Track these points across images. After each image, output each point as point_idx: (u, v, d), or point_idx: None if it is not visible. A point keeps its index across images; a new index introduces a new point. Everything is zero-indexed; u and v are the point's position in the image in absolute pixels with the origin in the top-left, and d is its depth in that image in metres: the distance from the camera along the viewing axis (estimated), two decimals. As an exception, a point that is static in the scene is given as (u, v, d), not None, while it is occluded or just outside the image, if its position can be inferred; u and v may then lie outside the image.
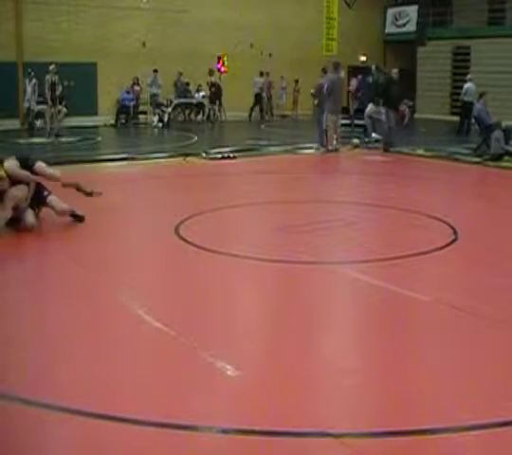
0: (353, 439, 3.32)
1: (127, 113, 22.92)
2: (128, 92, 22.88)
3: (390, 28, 29.38)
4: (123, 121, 22.82)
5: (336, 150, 15.70)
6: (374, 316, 5.29)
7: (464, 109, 19.52)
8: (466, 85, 19.59)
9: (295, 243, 7.36)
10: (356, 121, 19.74)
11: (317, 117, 16.57)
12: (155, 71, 23.16)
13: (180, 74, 24.05)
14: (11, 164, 7.67)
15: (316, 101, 16.23)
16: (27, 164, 7.84)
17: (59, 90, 18.20)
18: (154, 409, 3.60)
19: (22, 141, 17.86)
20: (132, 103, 22.95)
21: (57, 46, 21.70)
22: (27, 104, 20.55)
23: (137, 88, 23.32)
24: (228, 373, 4.01)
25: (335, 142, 15.83)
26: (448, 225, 7.99)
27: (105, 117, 22.96)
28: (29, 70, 20.19)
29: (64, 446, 3.35)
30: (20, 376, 4.07)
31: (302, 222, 8.40)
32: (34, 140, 17.98)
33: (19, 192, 7.59)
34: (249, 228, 8.30)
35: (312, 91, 16.54)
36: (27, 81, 20.33)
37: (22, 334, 4.77)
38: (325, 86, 15.56)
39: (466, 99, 19.39)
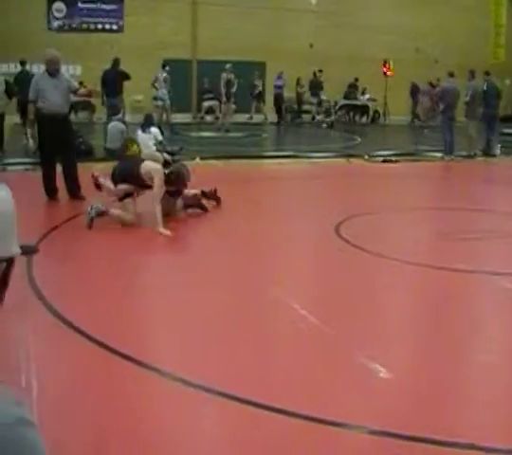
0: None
1: (291, 111, 23.32)
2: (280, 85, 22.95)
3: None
4: (289, 119, 23.24)
5: (474, 155, 15.23)
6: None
7: None
8: None
9: (453, 250, 7.21)
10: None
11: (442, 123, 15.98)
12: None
13: (356, 80, 24.18)
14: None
15: (441, 107, 15.65)
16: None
17: (234, 88, 18.84)
18: (304, 403, 3.66)
19: (193, 134, 18.65)
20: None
21: (227, 46, 22.40)
22: (159, 102, 17.44)
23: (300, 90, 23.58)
24: (381, 374, 4.03)
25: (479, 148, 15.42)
26: None
27: (270, 114, 23.46)
28: (165, 64, 17.76)
29: (208, 426, 3.54)
30: (182, 359, 4.32)
31: (462, 229, 8.20)
32: (204, 134, 18.73)
33: None
34: (409, 233, 8.20)
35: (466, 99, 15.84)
36: (159, 75, 17.45)
37: (185, 320, 4.99)
38: (470, 93, 15.16)
39: None
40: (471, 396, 3.96)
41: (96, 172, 8.46)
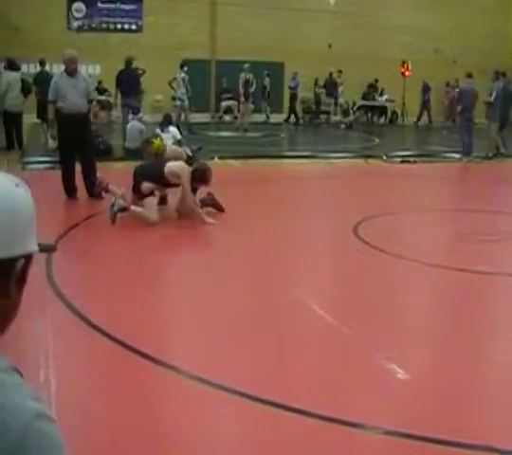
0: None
1: (309, 112, 23.33)
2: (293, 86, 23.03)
3: None
4: (307, 119, 23.24)
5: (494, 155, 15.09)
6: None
7: None
8: None
9: (473, 252, 7.17)
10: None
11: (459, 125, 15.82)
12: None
13: (376, 80, 24.13)
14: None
15: (459, 109, 15.48)
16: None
17: (253, 88, 18.87)
18: (322, 403, 3.66)
19: (211, 134, 18.68)
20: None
21: (246, 46, 22.40)
22: (178, 102, 17.21)
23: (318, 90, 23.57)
24: (399, 375, 4.01)
25: (503, 149, 15.29)
26: None
27: (285, 115, 23.46)
28: (183, 64, 17.29)
29: (225, 425, 3.56)
30: (200, 358, 4.31)
31: (481, 231, 8.14)
32: (223, 134, 18.75)
33: None
34: (427, 234, 8.16)
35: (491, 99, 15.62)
36: (178, 75, 17.16)
37: (204, 319, 5.01)
38: (494, 94, 15.00)
39: None
40: (490, 398, 3.94)
41: (102, 178, 8.50)
